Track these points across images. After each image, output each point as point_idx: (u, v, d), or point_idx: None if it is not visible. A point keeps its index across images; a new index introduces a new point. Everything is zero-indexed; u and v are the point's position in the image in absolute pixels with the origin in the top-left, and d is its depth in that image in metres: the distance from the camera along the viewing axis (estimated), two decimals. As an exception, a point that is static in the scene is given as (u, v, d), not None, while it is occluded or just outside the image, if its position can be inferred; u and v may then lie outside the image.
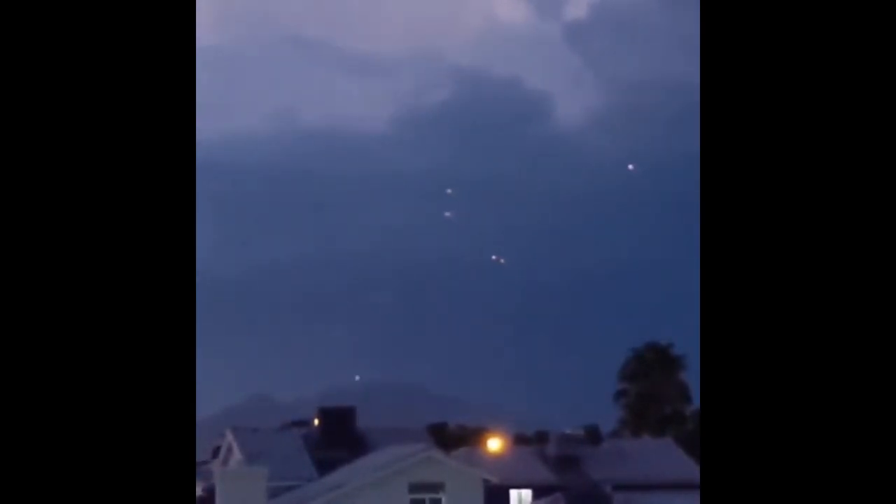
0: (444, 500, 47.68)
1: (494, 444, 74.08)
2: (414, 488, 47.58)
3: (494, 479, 51.87)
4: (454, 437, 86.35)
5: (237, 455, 64.08)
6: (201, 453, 71.68)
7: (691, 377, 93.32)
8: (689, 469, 69.66)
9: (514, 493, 65.25)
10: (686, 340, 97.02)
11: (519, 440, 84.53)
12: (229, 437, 67.77)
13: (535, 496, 63.85)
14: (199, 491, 62.33)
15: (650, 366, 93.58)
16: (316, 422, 72.06)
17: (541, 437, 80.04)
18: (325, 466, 59.72)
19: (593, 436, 76.88)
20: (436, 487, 47.85)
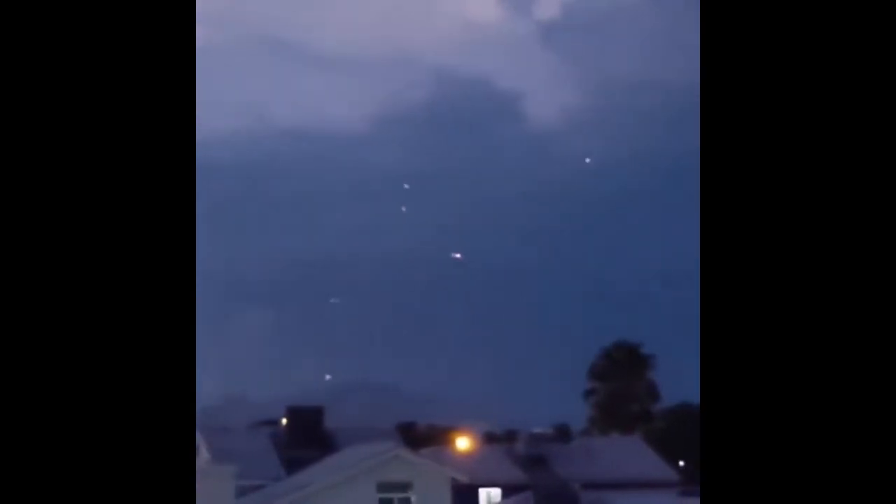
0: (412, 499, 47.63)
1: (463, 442, 74.13)
2: (382, 487, 47.54)
3: (463, 478, 51.87)
4: (423, 437, 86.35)
5: (205, 454, 63.95)
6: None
7: (660, 376, 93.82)
8: (658, 467, 69.96)
9: (482, 491, 65.27)
10: (654, 340, 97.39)
11: (488, 439, 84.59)
12: (198, 436, 67.67)
13: (504, 495, 63.89)
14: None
15: (619, 365, 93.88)
16: (284, 421, 72.01)
17: (510, 436, 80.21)
18: (293, 465, 59.67)
19: (563, 434, 77.23)
20: (404, 486, 47.82)
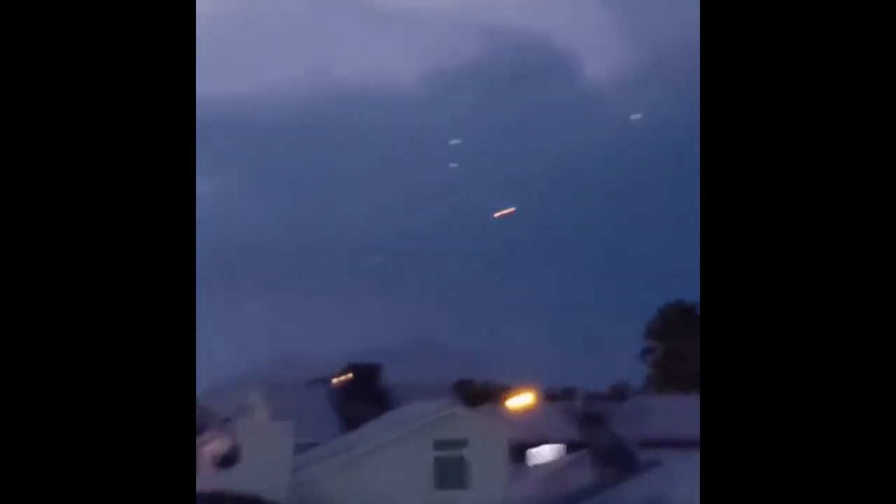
0: (468, 456, 47.63)
1: (520, 400, 74.10)
2: (438, 445, 47.56)
3: (520, 436, 51.82)
4: (480, 394, 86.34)
5: (262, 411, 64.25)
6: (227, 409, 71.91)
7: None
8: (716, 426, 69.62)
9: (539, 449, 65.28)
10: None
11: (545, 397, 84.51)
12: (255, 393, 67.92)
13: (561, 453, 63.84)
14: (224, 447, 62.60)
15: (676, 325, 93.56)
16: (341, 378, 72.26)
17: (567, 395, 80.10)
18: (349, 423, 59.88)
19: (619, 393, 77.09)
20: (460, 444, 47.82)
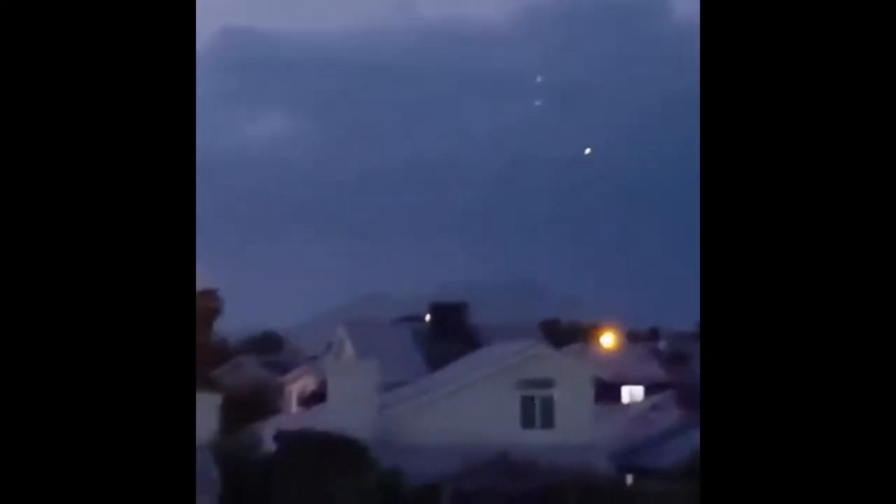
0: (554, 396, 47.60)
1: (606, 340, 74.03)
2: (524, 385, 47.56)
3: (606, 376, 51.72)
4: (566, 334, 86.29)
5: (349, 350, 64.65)
6: (314, 348, 72.50)
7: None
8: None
9: (625, 389, 65.20)
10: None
11: (631, 337, 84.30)
12: (341, 332, 68.36)
13: (647, 393, 63.73)
14: (311, 385, 63.14)
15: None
16: (428, 317, 72.43)
17: (653, 334, 79.87)
18: (435, 362, 60.02)
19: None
20: (546, 384, 47.78)
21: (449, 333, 66.53)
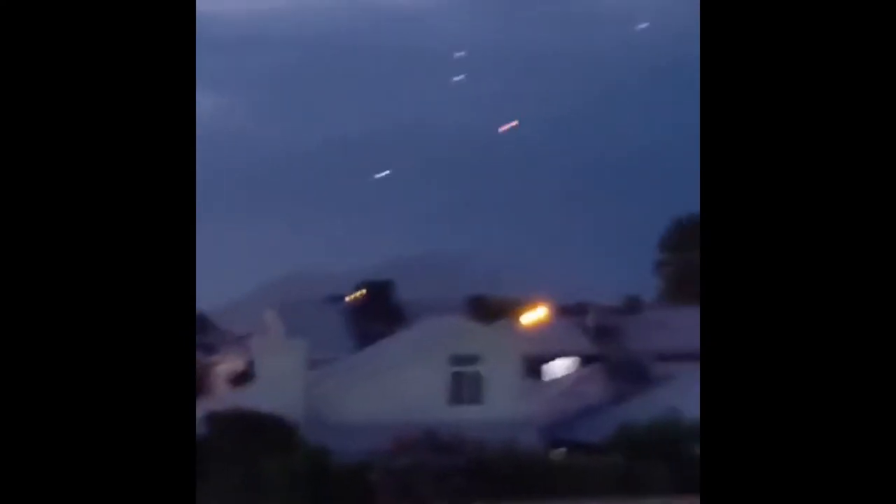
0: (482, 371, 47.80)
1: (534, 315, 74.20)
2: (452, 360, 47.71)
3: (534, 351, 51.95)
4: (494, 309, 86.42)
5: (277, 328, 64.50)
6: (242, 327, 72.28)
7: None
8: (729, 339, 69.76)
9: (553, 364, 65.45)
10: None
11: (559, 311, 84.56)
12: (269, 311, 68.20)
13: (575, 367, 64.01)
14: (239, 364, 62.91)
15: (691, 236, 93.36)
16: (356, 295, 72.39)
17: (581, 308, 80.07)
18: (364, 339, 60.05)
19: (633, 306, 76.88)
20: (474, 359, 47.96)
21: (377, 311, 66.58)
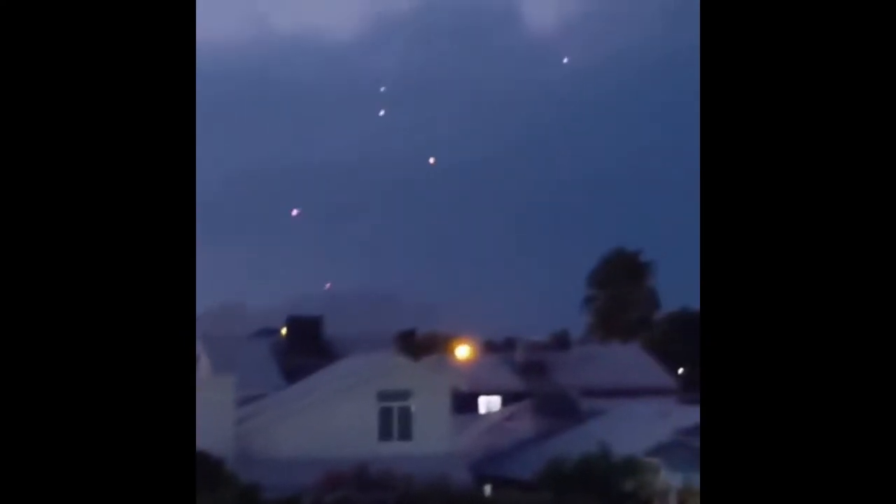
0: (412, 407, 47.72)
1: (463, 351, 74.28)
2: (382, 396, 47.62)
3: (463, 386, 51.97)
4: (423, 345, 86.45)
5: (205, 364, 64.02)
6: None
7: (659, 283, 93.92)
8: (657, 374, 70.14)
9: (482, 399, 65.48)
10: (653, 248, 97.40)
11: (487, 347, 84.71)
12: (197, 345, 67.70)
13: (504, 403, 64.07)
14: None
15: (618, 272, 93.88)
16: (284, 331, 72.09)
17: (509, 344, 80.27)
18: (293, 375, 59.77)
19: (562, 342, 77.22)
20: (404, 395, 47.88)
21: (306, 346, 66.32)
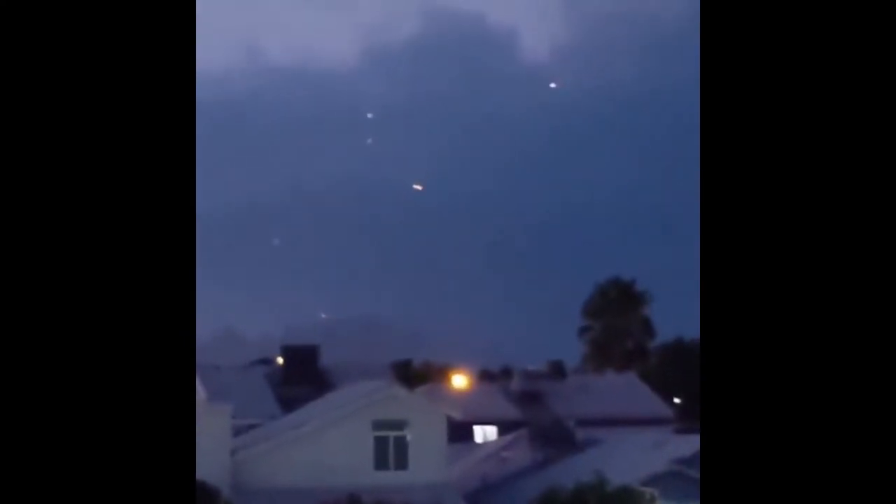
0: (408, 437, 47.66)
1: (459, 380, 74.26)
2: (378, 426, 47.55)
3: (458, 416, 51.94)
4: (418, 374, 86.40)
5: (200, 393, 63.92)
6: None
7: (654, 313, 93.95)
8: (653, 404, 70.12)
9: (478, 429, 65.45)
10: (648, 277, 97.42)
11: (483, 376, 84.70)
12: (192, 375, 67.63)
13: (500, 432, 64.01)
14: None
15: (614, 302, 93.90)
16: (279, 360, 72.04)
17: (505, 374, 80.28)
18: (288, 404, 59.70)
19: (557, 372, 77.22)
20: (400, 425, 47.82)
21: (301, 376, 66.26)
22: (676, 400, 74.28)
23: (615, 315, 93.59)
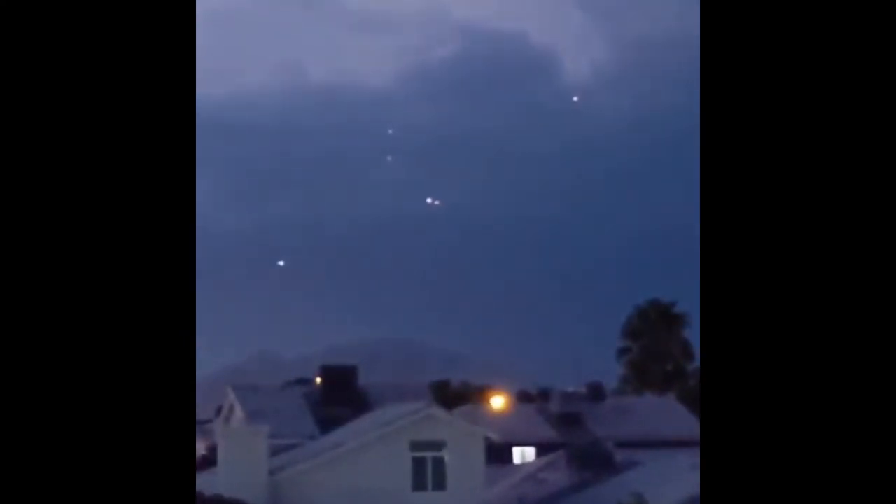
0: (446, 458, 47.63)
1: (497, 401, 74.24)
2: (416, 446, 47.54)
3: (497, 437, 51.85)
4: (457, 395, 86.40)
5: (239, 413, 64.14)
6: (204, 412, 71.90)
7: (693, 335, 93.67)
8: (691, 426, 69.77)
9: (516, 450, 65.40)
10: (688, 299, 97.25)
11: (522, 397, 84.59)
12: (231, 395, 67.83)
13: (538, 454, 63.92)
14: (201, 450, 62.44)
15: (653, 323, 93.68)
16: (318, 380, 72.19)
17: (544, 395, 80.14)
18: (326, 424, 59.82)
19: (596, 393, 77.01)
20: (438, 445, 47.79)
21: (339, 396, 66.39)
22: (716, 422, 73.83)
23: (654, 336, 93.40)
